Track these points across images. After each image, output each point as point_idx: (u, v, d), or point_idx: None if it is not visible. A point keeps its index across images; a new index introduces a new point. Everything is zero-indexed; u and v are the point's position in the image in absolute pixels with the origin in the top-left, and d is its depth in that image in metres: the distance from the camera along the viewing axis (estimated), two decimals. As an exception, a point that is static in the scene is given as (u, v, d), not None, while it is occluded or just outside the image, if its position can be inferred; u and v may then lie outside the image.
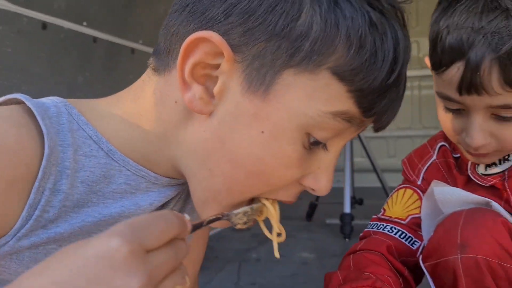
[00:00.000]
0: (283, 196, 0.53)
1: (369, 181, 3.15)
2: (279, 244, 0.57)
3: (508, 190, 0.76)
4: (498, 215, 0.75)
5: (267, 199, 0.54)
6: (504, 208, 0.76)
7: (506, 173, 0.77)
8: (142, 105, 0.52)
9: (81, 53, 1.76)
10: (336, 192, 2.75)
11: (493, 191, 0.79)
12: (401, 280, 0.81)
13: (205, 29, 0.44)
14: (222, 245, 2.40)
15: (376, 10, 0.43)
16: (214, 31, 0.44)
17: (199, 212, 0.54)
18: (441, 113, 0.77)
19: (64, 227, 0.49)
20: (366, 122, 0.49)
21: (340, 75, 0.44)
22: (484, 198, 0.77)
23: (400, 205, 0.89)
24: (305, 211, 2.94)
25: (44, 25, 1.54)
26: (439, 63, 0.72)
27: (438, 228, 0.79)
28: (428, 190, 0.83)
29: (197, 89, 0.47)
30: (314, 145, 0.49)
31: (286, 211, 2.62)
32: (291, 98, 0.45)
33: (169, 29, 0.49)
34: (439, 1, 0.74)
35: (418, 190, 0.88)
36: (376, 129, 0.51)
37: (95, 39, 1.81)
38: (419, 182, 0.89)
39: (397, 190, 0.93)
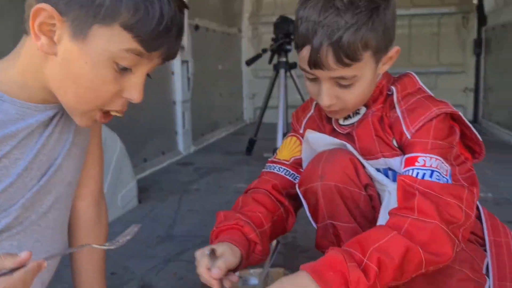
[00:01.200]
0: (115, 106, 0.78)
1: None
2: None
3: (355, 136, 1.03)
4: (349, 153, 1.02)
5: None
6: (354, 148, 1.03)
7: (355, 124, 1.03)
8: (23, 55, 0.77)
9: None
10: (274, 128, 3.04)
11: (348, 136, 1.05)
12: (282, 209, 1.09)
13: (44, 2, 0.71)
14: (168, 178, 2.64)
15: None
16: (48, 3, 0.70)
17: (73, 118, 0.80)
18: (306, 81, 1.01)
19: None
20: (153, 56, 0.75)
21: (126, 27, 0.71)
22: (342, 141, 1.04)
23: (286, 149, 1.15)
24: (246, 146, 3.22)
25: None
26: (297, 45, 0.95)
27: (308, 164, 1.06)
28: (304, 137, 1.09)
29: (44, 39, 0.72)
30: (124, 70, 0.74)
31: (228, 147, 2.96)
32: (99, 42, 0.72)
33: (27, 3, 0.75)
34: None
35: (300, 137, 1.14)
36: (162, 61, 0.77)
37: None
38: (301, 131, 1.15)
39: (286, 137, 1.18)
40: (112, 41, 0.71)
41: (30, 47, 0.76)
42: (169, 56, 0.77)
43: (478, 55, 4.35)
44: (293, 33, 3.12)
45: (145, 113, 2.61)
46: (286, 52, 2.90)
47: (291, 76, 2.98)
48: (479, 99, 4.39)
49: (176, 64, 3.12)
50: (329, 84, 0.94)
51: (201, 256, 0.89)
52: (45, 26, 0.72)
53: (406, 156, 0.94)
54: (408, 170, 0.91)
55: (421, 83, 1.04)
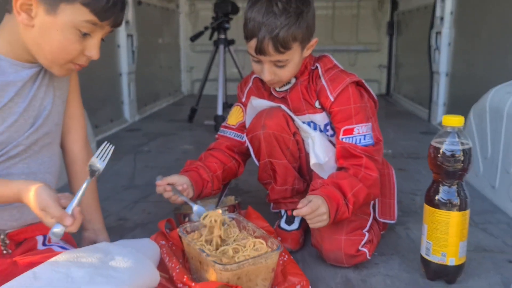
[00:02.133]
0: (80, 61, 1.08)
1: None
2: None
3: (288, 99, 1.43)
4: (282, 111, 1.42)
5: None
6: (287, 107, 1.43)
7: (288, 90, 1.44)
8: (7, 28, 1.06)
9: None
10: (212, 99, 3.40)
11: (283, 100, 1.45)
12: (233, 161, 1.50)
13: None
14: (119, 142, 2.93)
15: None
16: None
17: (52, 71, 1.09)
18: (252, 62, 1.39)
19: None
20: (105, 25, 1.04)
21: (85, 4, 0.98)
22: (278, 104, 1.44)
23: (233, 117, 1.55)
24: (188, 114, 3.56)
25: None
26: (246, 37, 1.32)
27: (253, 118, 1.45)
28: (249, 102, 1.48)
29: (23, 15, 0.99)
30: (84, 35, 1.03)
31: (171, 115, 3.36)
32: (66, 15, 0.99)
33: None
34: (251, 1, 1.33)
35: (242, 106, 1.53)
36: (111, 28, 1.06)
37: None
38: (243, 100, 1.54)
39: (233, 107, 1.57)
40: (75, 14, 1.00)
41: (12, 21, 1.04)
42: (116, 24, 1.08)
43: (391, 35, 4.93)
44: (231, 13, 3.53)
45: (94, 84, 2.87)
46: (225, 30, 3.24)
47: (229, 51, 3.33)
48: (391, 75, 5.00)
49: (121, 37, 3.36)
50: (269, 65, 1.33)
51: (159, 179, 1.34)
52: (24, 6, 1.00)
53: (345, 127, 1.34)
54: (349, 138, 1.33)
55: (335, 61, 1.45)
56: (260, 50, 1.28)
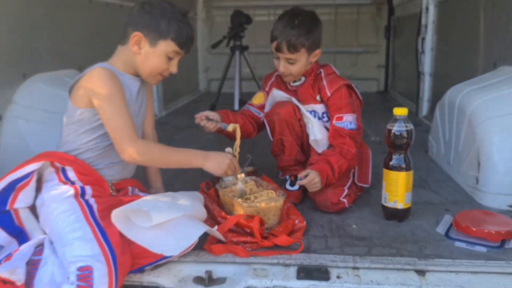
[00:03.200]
0: (166, 74, 1.67)
1: (252, 87, 4.40)
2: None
3: (298, 92, 2.00)
4: (291, 103, 1.99)
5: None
6: (296, 99, 2.00)
7: (298, 86, 2.01)
8: (123, 55, 1.64)
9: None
10: (228, 96, 3.98)
11: (294, 93, 2.03)
12: (250, 125, 2.07)
13: (137, 30, 1.58)
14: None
15: (178, 20, 1.60)
16: (139, 31, 1.58)
17: (148, 81, 1.70)
18: (274, 59, 1.96)
19: None
20: (182, 52, 1.62)
21: (173, 40, 1.57)
22: (290, 96, 2.01)
23: (257, 98, 2.14)
24: (207, 110, 4.13)
25: None
26: (271, 39, 1.91)
27: (271, 107, 2.04)
28: (271, 92, 2.06)
29: (135, 47, 1.58)
30: (170, 59, 1.61)
31: (192, 111, 3.92)
32: (161, 47, 1.57)
33: (128, 26, 1.62)
34: (279, 16, 1.92)
35: (265, 93, 2.12)
36: (186, 53, 1.66)
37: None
38: (267, 89, 2.12)
39: (258, 92, 2.16)
40: (167, 47, 1.59)
41: (126, 50, 1.62)
42: (189, 51, 1.67)
43: (388, 38, 5.47)
44: (245, 23, 4.23)
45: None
46: (241, 38, 3.82)
47: (244, 56, 3.90)
48: (388, 74, 5.54)
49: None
50: (283, 61, 1.92)
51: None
52: (137, 41, 1.58)
53: (338, 114, 1.91)
54: (339, 123, 1.90)
55: (334, 69, 2.02)
56: (278, 49, 1.89)
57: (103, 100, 1.50)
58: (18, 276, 1.30)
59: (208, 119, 1.90)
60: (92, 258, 1.26)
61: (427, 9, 3.77)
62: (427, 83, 3.84)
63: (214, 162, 1.58)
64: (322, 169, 1.81)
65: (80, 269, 1.23)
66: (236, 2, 5.30)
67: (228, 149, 1.82)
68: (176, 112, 4.41)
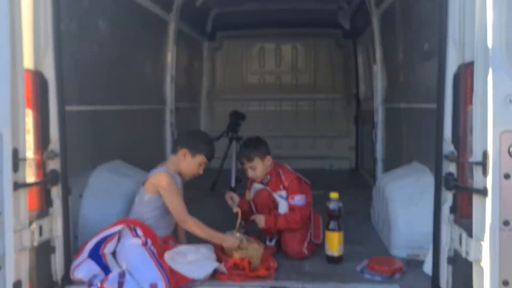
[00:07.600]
0: (196, 174, 2.94)
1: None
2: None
3: (269, 186, 3.12)
4: (267, 191, 3.11)
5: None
6: (270, 189, 3.11)
7: (267, 182, 3.12)
8: (172, 161, 2.86)
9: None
10: (226, 173, 5.11)
11: (267, 185, 3.14)
12: (249, 210, 3.17)
13: (184, 147, 2.81)
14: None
15: (209, 143, 2.94)
16: (186, 148, 2.81)
17: (185, 178, 2.96)
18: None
19: None
20: (208, 161, 2.92)
21: (205, 156, 2.88)
22: (265, 186, 3.13)
23: (248, 194, 3.25)
24: (210, 184, 5.23)
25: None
26: (240, 162, 3.06)
27: (254, 194, 3.16)
28: (252, 186, 3.19)
29: (181, 157, 2.85)
30: (199, 165, 2.88)
31: (196, 185, 5.34)
32: (198, 159, 2.86)
33: (178, 144, 2.88)
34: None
35: (249, 190, 3.25)
36: (209, 161, 2.94)
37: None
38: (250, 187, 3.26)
39: (247, 191, 3.28)
40: (200, 158, 2.80)
41: (175, 158, 2.81)
42: (211, 160, 2.87)
43: (356, 125, 6.73)
44: (241, 119, 5.71)
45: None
46: (237, 131, 5.02)
47: (239, 144, 5.07)
48: (358, 154, 6.74)
49: (167, 133, 5.13)
50: (249, 169, 3.08)
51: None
52: (184, 154, 2.78)
53: (291, 195, 3.04)
54: (292, 201, 3.03)
55: (289, 168, 3.16)
56: (242, 162, 3.06)
57: (166, 191, 2.66)
58: (114, 288, 2.36)
59: (231, 199, 3.09)
60: (157, 278, 2.32)
61: (377, 109, 5.00)
62: (379, 165, 4.98)
63: (228, 241, 2.72)
64: (268, 219, 2.96)
65: (151, 285, 2.29)
66: (233, 95, 6.62)
67: (233, 233, 2.91)
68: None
